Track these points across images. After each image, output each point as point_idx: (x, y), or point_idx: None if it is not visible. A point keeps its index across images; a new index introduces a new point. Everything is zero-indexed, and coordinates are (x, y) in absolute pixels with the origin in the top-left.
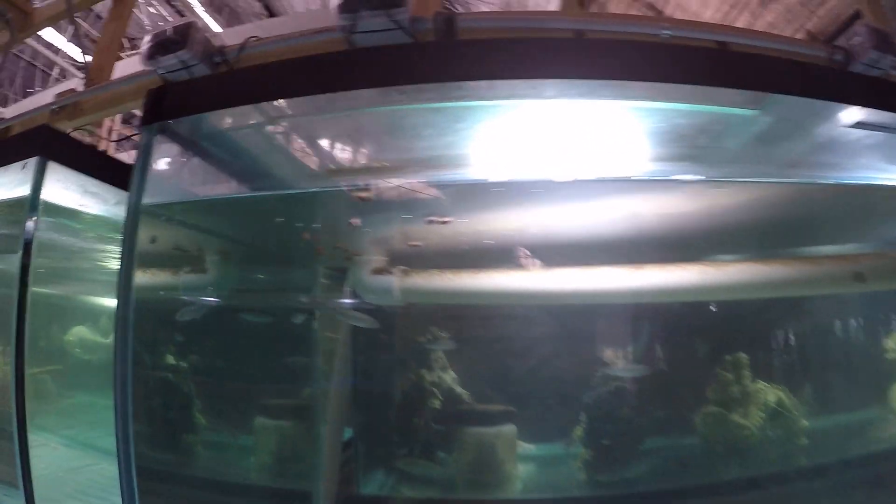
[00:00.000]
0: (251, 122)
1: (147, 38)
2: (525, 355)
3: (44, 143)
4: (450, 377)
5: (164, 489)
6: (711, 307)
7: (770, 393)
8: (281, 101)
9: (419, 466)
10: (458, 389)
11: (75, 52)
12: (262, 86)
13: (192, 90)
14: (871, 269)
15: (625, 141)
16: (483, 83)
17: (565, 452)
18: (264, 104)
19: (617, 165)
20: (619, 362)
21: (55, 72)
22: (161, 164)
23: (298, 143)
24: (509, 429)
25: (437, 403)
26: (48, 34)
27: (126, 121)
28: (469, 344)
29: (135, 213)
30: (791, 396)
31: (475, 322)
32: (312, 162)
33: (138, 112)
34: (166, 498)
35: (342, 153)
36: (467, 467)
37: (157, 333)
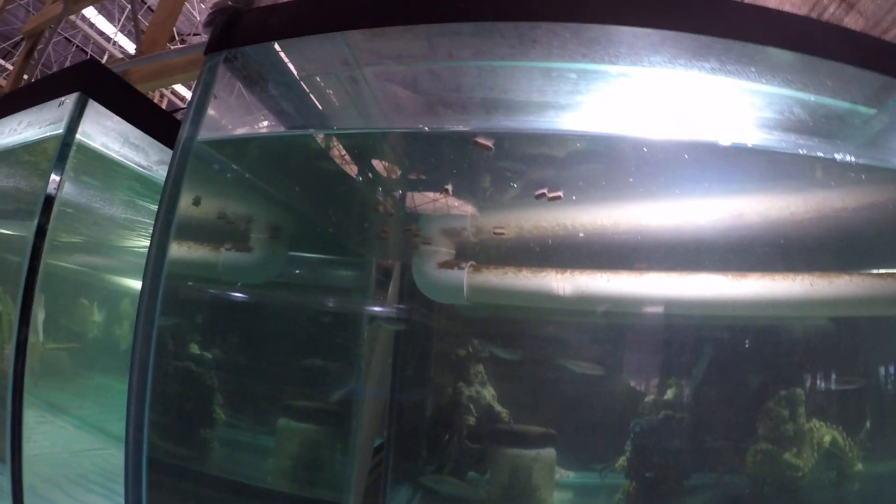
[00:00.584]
0: (332, 58)
1: None
2: (571, 374)
3: (87, 77)
4: (489, 393)
5: (171, 483)
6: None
7: (825, 432)
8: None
9: (449, 485)
10: (497, 407)
11: (126, 43)
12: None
13: (271, 15)
14: None
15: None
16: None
17: (607, 483)
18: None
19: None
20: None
21: (105, 58)
22: (221, 101)
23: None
24: (548, 452)
25: (472, 420)
26: (100, 22)
27: None
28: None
29: (185, 151)
30: (847, 438)
31: (525, 334)
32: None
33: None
34: (172, 492)
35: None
36: (500, 490)
37: (183, 316)
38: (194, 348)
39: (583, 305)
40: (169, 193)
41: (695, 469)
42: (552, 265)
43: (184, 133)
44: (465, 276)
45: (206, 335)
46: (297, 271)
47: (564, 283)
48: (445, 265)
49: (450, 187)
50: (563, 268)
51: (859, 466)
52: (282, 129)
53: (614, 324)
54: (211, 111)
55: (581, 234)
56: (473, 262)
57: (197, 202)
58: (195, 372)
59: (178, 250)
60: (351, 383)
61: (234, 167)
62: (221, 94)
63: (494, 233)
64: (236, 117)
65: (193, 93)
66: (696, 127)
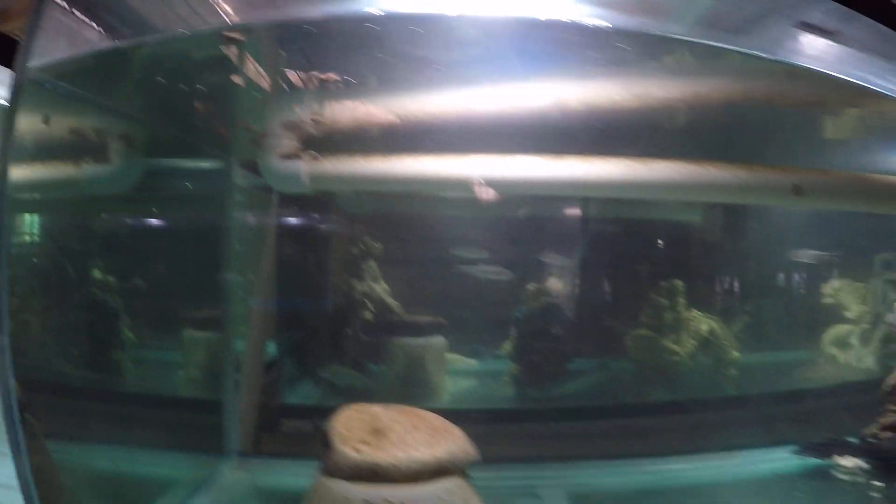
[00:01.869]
0: None
1: None
2: (456, 265)
3: None
4: (381, 288)
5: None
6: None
7: (703, 322)
8: None
9: (346, 377)
10: (389, 300)
11: None
12: None
13: None
14: (811, 184)
15: None
16: None
17: (494, 367)
18: None
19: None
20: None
21: None
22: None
23: None
24: (438, 340)
25: (367, 315)
26: None
27: None
28: (401, 253)
29: (21, 78)
30: (724, 328)
31: (408, 229)
32: None
33: None
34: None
35: None
36: (395, 378)
37: (50, 236)
38: (66, 269)
39: (414, 187)
40: (7, 122)
41: (577, 353)
42: (387, 152)
43: (21, 60)
44: (303, 166)
45: (78, 254)
46: (158, 181)
47: (392, 166)
48: (286, 157)
49: (324, 74)
50: (393, 154)
51: (736, 354)
52: (111, 42)
53: (492, 215)
54: (45, 34)
55: (412, 121)
56: (313, 152)
57: (46, 121)
58: (66, 293)
59: (38, 170)
60: (225, 290)
61: (76, 88)
62: (55, 14)
63: (313, 119)
64: (70, 38)
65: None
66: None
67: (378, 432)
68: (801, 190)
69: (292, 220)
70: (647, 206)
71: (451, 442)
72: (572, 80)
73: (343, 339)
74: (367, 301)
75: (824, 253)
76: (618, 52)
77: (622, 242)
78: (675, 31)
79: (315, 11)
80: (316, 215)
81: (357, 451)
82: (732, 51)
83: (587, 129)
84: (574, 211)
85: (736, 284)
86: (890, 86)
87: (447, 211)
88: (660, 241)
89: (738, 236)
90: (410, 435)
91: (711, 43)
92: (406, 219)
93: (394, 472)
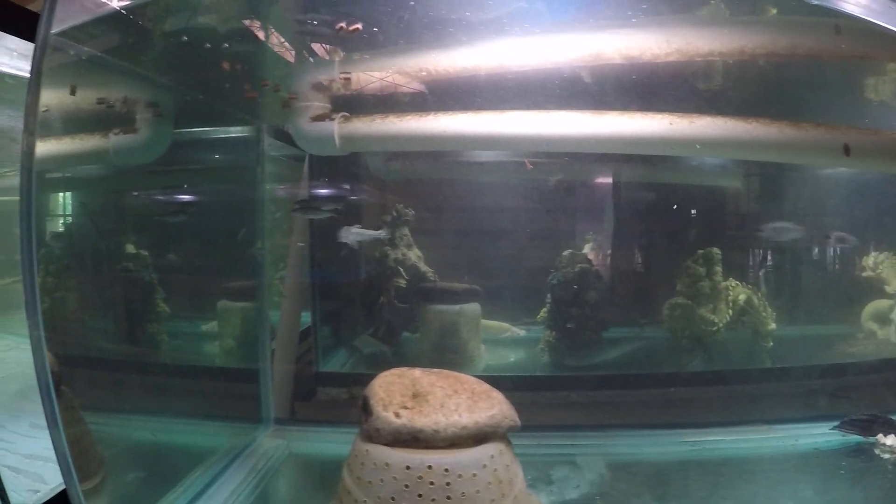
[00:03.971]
0: None
1: None
2: (493, 232)
3: None
4: (415, 254)
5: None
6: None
7: (740, 291)
8: None
9: (374, 346)
10: (423, 267)
11: None
12: None
13: None
14: (861, 144)
15: None
16: None
17: (530, 334)
18: None
19: None
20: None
21: None
22: None
23: None
24: (472, 307)
25: (401, 282)
26: None
27: None
28: (435, 220)
29: (44, 43)
30: (761, 298)
31: (443, 196)
32: None
33: None
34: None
35: None
36: (430, 346)
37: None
38: (102, 244)
39: (449, 146)
40: (33, 88)
41: (612, 321)
42: (420, 110)
43: (42, 27)
44: (335, 127)
45: (114, 231)
46: (187, 151)
47: (427, 124)
48: (317, 118)
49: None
50: (427, 112)
51: (772, 326)
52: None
53: (527, 179)
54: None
55: (445, 78)
56: (345, 113)
57: (73, 92)
58: (110, 269)
59: (67, 143)
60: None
61: (99, 53)
62: None
63: (341, 78)
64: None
65: None
66: None
67: (418, 396)
68: (849, 150)
69: (324, 189)
70: (684, 171)
71: (492, 406)
72: (611, 33)
73: (377, 307)
74: (400, 268)
75: (865, 224)
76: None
77: (659, 209)
78: None
79: None
80: (348, 183)
81: (398, 415)
82: None
83: (627, 83)
84: (610, 177)
85: (773, 254)
86: None
87: (481, 176)
88: (697, 208)
89: (779, 206)
90: (451, 399)
91: None
92: (439, 184)
93: (435, 437)
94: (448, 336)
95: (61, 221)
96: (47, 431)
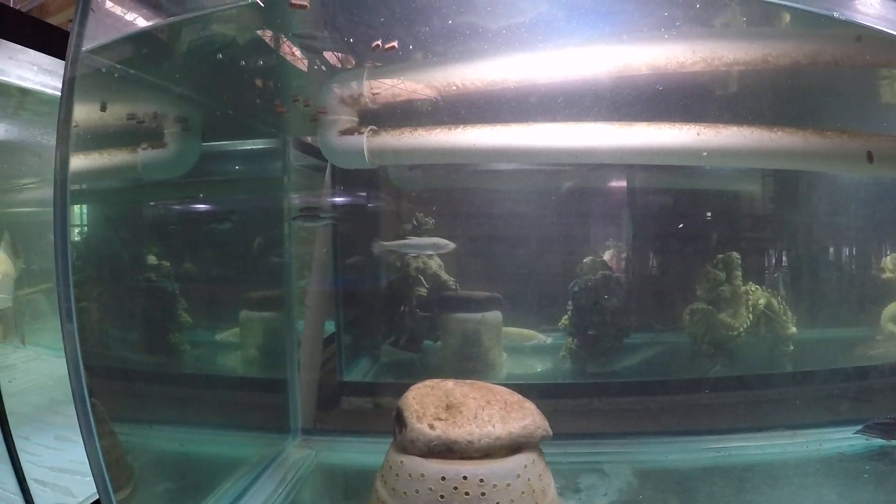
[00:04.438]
0: None
1: None
2: (513, 240)
3: None
4: (435, 263)
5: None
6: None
7: (761, 296)
8: None
9: (395, 355)
10: (444, 276)
11: None
12: None
13: None
14: (885, 151)
15: None
16: None
17: (552, 341)
18: None
19: None
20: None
21: None
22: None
23: None
24: (494, 315)
25: (422, 290)
26: None
27: None
28: (456, 228)
29: (75, 62)
30: (781, 302)
31: (463, 205)
32: None
33: None
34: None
35: None
36: (452, 354)
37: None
38: (125, 255)
39: (478, 159)
40: (65, 104)
41: (633, 327)
42: (447, 123)
43: (72, 44)
44: (364, 141)
45: (138, 242)
46: (214, 164)
47: (456, 137)
48: (346, 132)
49: (382, 42)
50: (455, 125)
51: (793, 329)
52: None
53: (545, 187)
54: (95, 19)
55: (473, 90)
56: (373, 127)
57: (103, 108)
58: (133, 280)
59: (97, 158)
60: (285, 271)
61: (130, 70)
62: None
63: (371, 93)
64: (119, 21)
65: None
66: None
67: (452, 408)
68: (873, 157)
69: (346, 199)
70: (703, 176)
71: (525, 417)
72: (637, 44)
73: (399, 316)
74: (421, 277)
75: (883, 226)
76: (685, 12)
77: (678, 214)
78: None
79: None
80: (368, 193)
81: (432, 427)
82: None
83: (654, 94)
84: (630, 182)
85: (793, 258)
86: None
87: (501, 185)
88: (716, 213)
89: (796, 208)
90: (484, 410)
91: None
92: (459, 193)
93: (469, 448)
94: (470, 344)
95: (85, 233)
96: (72, 443)
